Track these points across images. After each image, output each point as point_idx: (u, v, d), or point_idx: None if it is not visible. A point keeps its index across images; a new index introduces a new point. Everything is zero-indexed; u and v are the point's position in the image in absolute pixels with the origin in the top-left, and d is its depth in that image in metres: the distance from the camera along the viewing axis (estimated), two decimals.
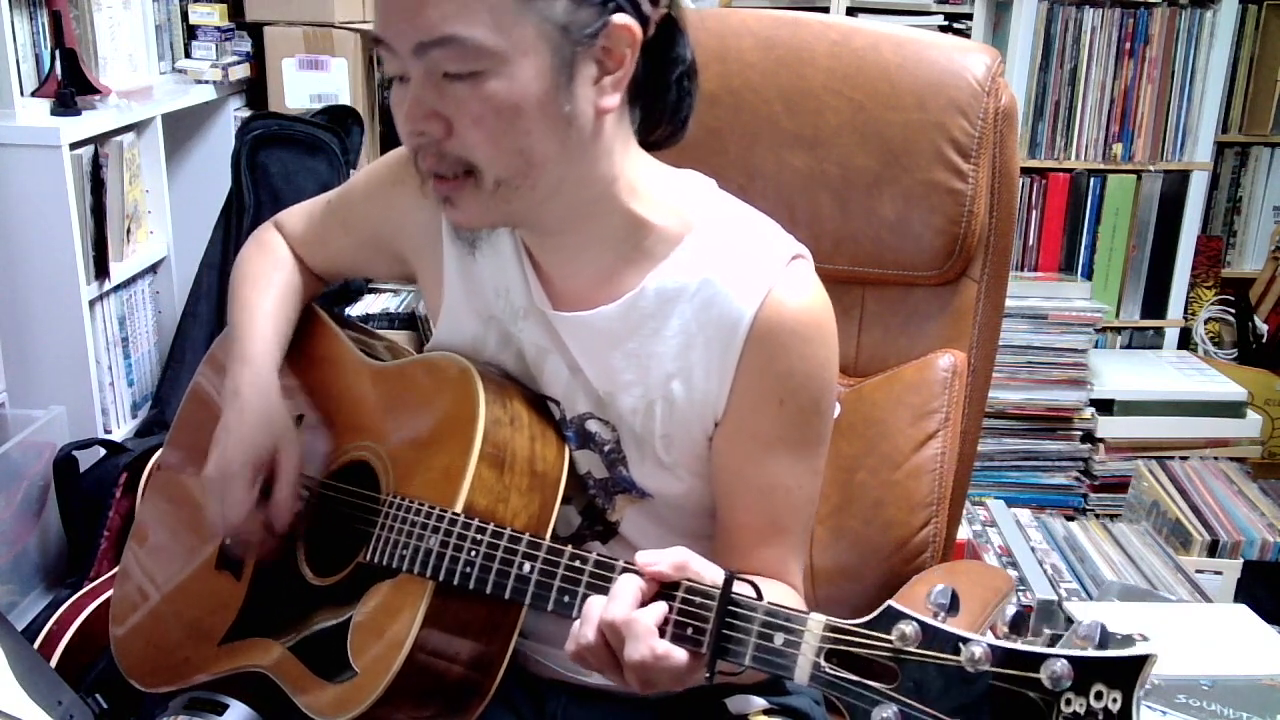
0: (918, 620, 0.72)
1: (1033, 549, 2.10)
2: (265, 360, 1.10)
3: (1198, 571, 2.09)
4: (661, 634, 0.82)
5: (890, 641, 0.73)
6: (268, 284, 1.18)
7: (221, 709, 1.06)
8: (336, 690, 0.94)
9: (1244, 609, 1.48)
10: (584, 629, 0.84)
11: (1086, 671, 0.66)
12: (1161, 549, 2.12)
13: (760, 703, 1.06)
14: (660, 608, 0.83)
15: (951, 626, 0.72)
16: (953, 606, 0.73)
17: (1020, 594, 1.93)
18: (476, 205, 0.91)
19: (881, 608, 0.74)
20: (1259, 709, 1.22)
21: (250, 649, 1.04)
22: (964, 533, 2.13)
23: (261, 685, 1.02)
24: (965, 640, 0.70)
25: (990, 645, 0.69)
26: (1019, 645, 0.69)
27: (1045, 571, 2.01)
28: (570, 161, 0.91)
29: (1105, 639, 0.68)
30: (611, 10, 0.87)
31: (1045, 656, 0.67)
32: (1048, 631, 0.72)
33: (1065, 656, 0.67)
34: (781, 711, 1.07)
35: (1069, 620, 1.41)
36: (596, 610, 0.83)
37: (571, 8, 0.85)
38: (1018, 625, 0.71)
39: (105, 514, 1.91)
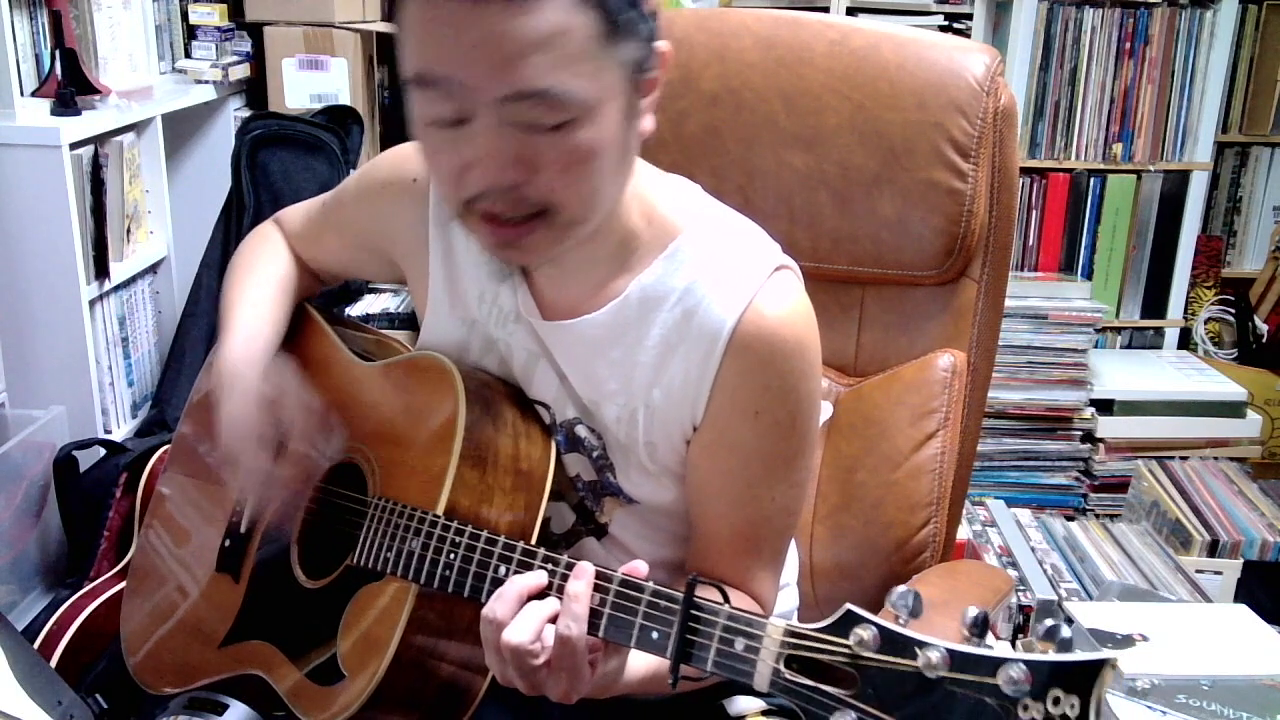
0: (876, 624, 0.71)
1: (1033, 549, 2.10)
2: (250, 346, 1.09)
3: (1198, 571, 2.09)
4: (626, 639, 0.82)
5: (848, 646, 0.71)
6: (261, 275, 1.18)
7: (221, 709, 1.06)
8: (327, 692, 0.94)
9: (1244, 609, 1.48)
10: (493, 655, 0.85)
11: (1044, 676, 0.65)
12: (1161, 549, 2.12)
13: (758, 703, 1.06)
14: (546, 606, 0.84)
15: (912, 630, 0.70)
16: (915, 609, 0.71)
17: (1020, 594, 1.93)
18: (544, 244, 0.89)
19: (840, 611, 0.73)
20: (1259, 709, 1.22)
21: (250, 652, 1.04)
22: (964, 533, 2.12)
23: (262, 691, 1.02)
24: (923, 645, 0.68)
25: (948, 649, 0.67)
26: (977, 649, 0.67)
27: (1045, 571, 2.01)
28: (621, 190, 0.92)
29: (1066, 642, 0.66)
30: (657, 37, 0.88)
31: (1002, 661, 0.66)
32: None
33: (1023, 661, 0.65)
34: (780, 712, 1.07)
35: (1069, 620, 1.41)
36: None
37: (639, 46, 0.85)
38: (978, 627, 0.69)
39: (105, 514, 1.91)
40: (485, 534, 0.92)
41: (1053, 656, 0.65)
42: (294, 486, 1.05)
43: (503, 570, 0.90)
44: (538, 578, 0.86)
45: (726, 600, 0.81)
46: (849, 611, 0.72)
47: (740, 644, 0.77)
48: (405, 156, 1.09)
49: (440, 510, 0.93)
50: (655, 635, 0.81)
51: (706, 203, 1.02)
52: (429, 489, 0.95)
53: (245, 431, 1.03)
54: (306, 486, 1.07)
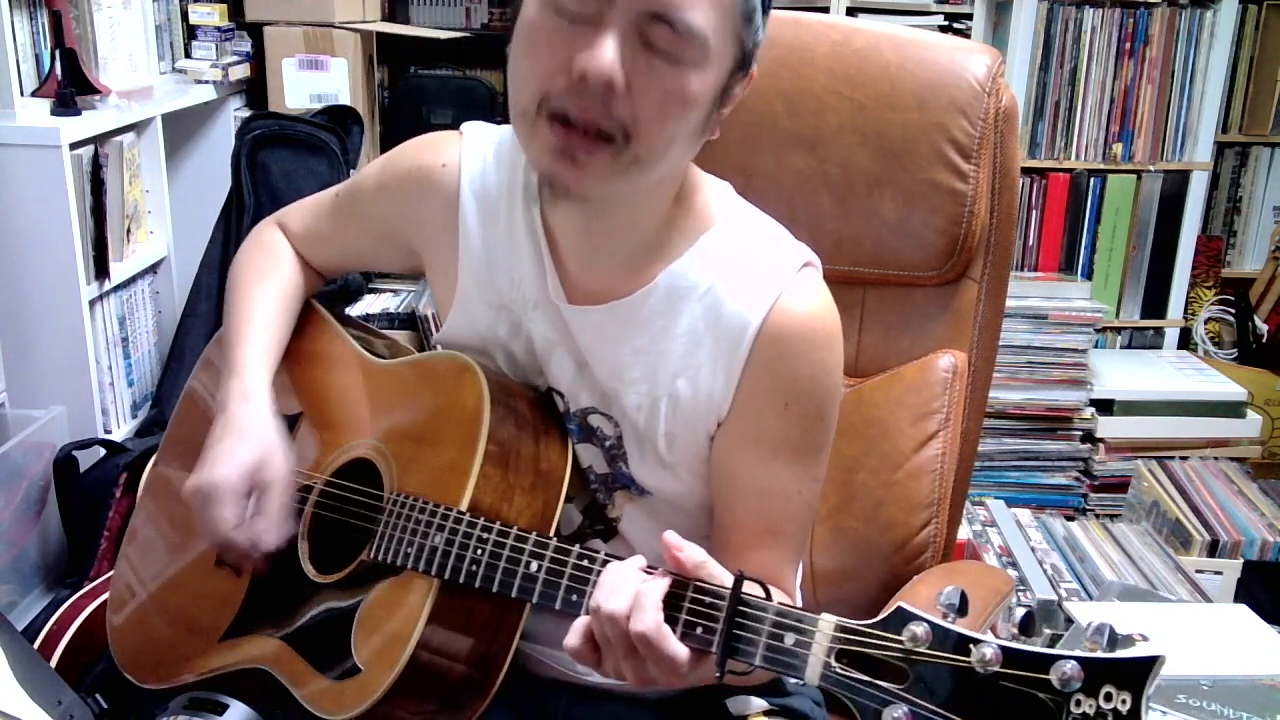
0: (928, 621, 0.73)
1: (1033, 549, 2.10)
2: (256, 371, 1.09)
3: (1198, 571, 2.09)
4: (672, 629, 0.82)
5: (901, 642, 0.73)
6: (264, 287, 1.17)
7: (221, 709, 1.06)
8: (341, 686, 0.94)
9: (1244, 609, 1.48)
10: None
11: (1096, 673, 0.67)
12: (1161, 549, 2.12)
13: (760, 703, 1.07)
14: (664, 582, 0.83)
15: (961, 627, 0.72)
16: (962, 608, 0.73)
17: (1020, 594, 1.93)
18: (600, 171, 0.88)
19: (892, 608, 0.75)
20: (1259, 709, 1.22)
21: (254, 646, 1.04)
22: (964, 533, 2.13)
23: (263, 686, 1.01)
24: (976, 641, 0.70)
25: (1001, 646, 0.70)
26: (1029, 646, 0.70)
27: (1045, 571, 2.01)
28: (685, 160, 0.95)
29: (1114, 639, 0.68)
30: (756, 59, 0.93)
31: (1056, 658, 0.68)
32: (1048, 631, 0.73)
33: (1075, 658, 0.67)
34: (782, 712, 1.07)
35: (1069, 620, 1.41)
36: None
37: (752, 43, 0.91)
38: (1026, 627, 0.71)
39: (105, 514, 1.91)
40: (515, 530, 0.92)
41: (1106, 654, 0.68)
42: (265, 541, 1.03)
43: (534, 566, 0.90)
44: (639, 562, 0.86)
45: (769, 596, 0.82)
46: (901, 609, 0.74)
47: (790, 639, 0.79)
48: (432, 143, 1.10)
49: (464, 507, 0.94)
50: (700, 630, 0.82)
51: (736, 201, 1.04)
52: (451, 486, 0.96)
53: (215, 500, 1.01)
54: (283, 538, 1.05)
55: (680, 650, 0.82)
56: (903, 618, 0.74)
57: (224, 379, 1.09)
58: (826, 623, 0.77)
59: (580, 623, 0.85)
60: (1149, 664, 0.66)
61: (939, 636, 0.72)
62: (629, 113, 0.85)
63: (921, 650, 0.72)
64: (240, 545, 1.02)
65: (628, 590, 0.83)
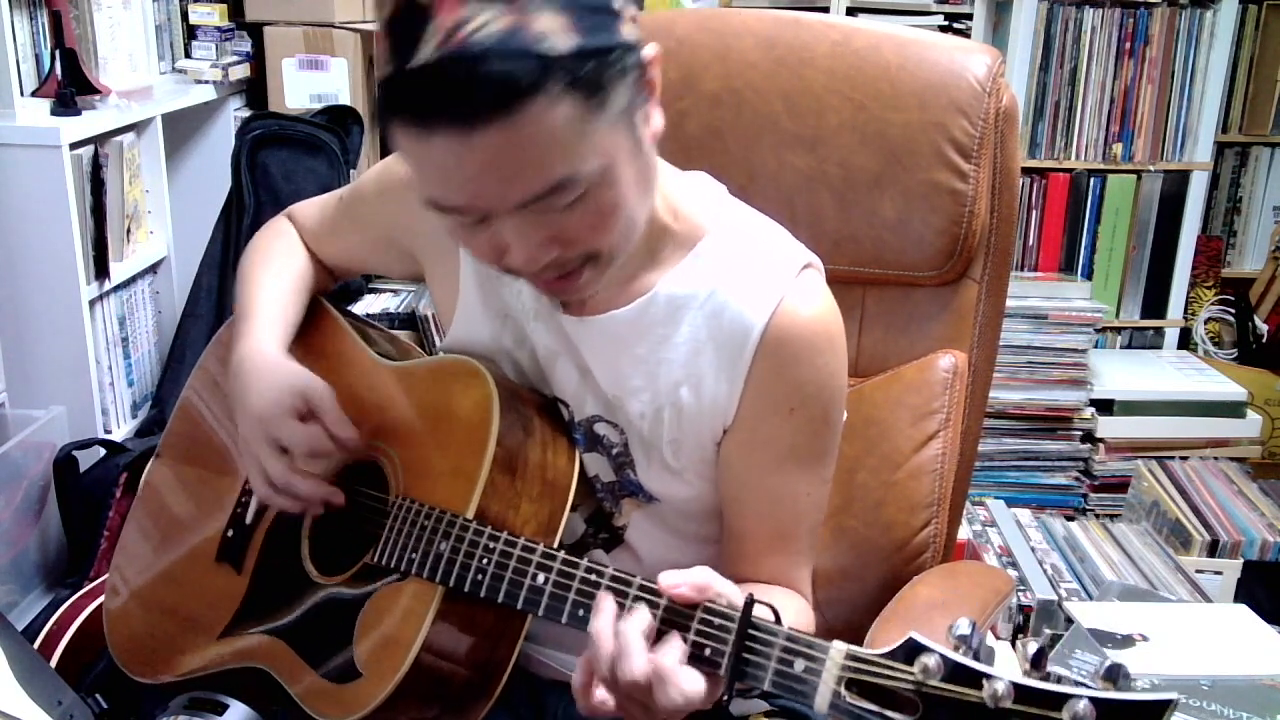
0: (940, 653, 0.71)
1: (1033, 549, 2.10)
2: (269, 337, 1.09)
3: (1198, 571, 2.09)
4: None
5: (912, 674, 0.72)
6: (278, 266, 1.17)
7: (221, 709, 1.06)
8: (341, 690, 0.94)
9: (1244, 609, 1.48)
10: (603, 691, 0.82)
11: (1109, 713, 0.66)
12: (1161, 549, 2.12)
13: (762, 704, 1.06)
14: (677, 644, 0.81)
15: (973, 661, 0.71)
16: (974, 641, 0.72)
17: (1020, 594, 1.93)
18: (595, 279, 0.90)
19: (904, 639, 0.73)
20: (1259, 709, 1.22)
21: (253, 645, 1.04)
22: (964, 533, 2.13)
23: (263, 686, 1.01)
24: (988, 676, 0.69)
25: (1013, 683, 0.68)
26: (1043, 684, 0.68)
27: (1045, 571, 2.01)
28: (651, 197, 0.92)
29: (1127, 681, 0.67)
30: (641, 47, 0.84)
31: (1068, 696, 0.67)
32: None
33: (1089, 698, 0.66)
34: (783, 714, 1.07)
35: (1069, 620, 1.41)
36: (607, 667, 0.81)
37: (628, 87, 0.82)
38: (1039, 661, 0.70)
39: (105, 514, 1.91)
40: (522, 540, 0.91)
41: (1119, 695, 0.67)
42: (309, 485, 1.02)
43: (540, 578, 0.89)
44: (645, 619, 0.82)
45: (779, 619, 0.81)
46: (912, 639, 0.73)
47: (800, 665, 0.77)
48: None
49: (471, 514, 0.93)
50: (708, 652, 0.81)
51: (731, 203, 1.03)
52: (458, 492, 0.95)
53: (272, 425, 1.00)
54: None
55: (696, 683, 0.79)
56: (915, 648, 0.72)
57: (237, 347, 1.08)
58: (837, 650, 0.76)
59: (584, 662, 0.83)
60: (1163, 707, 0.65)
61: (951, 669, 0.71)
62: (581, 250, 0.86)
63: (933, 683, 0.71)
64: (325, 450, 1.01)
65: (608, 639, 0.80)
